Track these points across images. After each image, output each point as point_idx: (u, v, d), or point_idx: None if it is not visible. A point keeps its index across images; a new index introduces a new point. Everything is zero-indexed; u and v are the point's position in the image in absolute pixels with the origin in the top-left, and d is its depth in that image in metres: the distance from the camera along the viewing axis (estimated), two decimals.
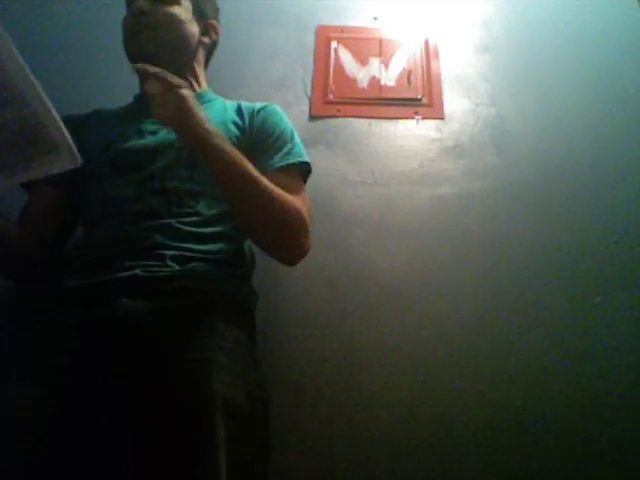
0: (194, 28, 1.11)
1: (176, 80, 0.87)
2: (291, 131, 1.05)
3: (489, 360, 1.16)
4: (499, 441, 1.09)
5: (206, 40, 1.15)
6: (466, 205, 1.33)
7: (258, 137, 1.03)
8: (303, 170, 1.02)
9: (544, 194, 1.34)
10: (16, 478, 0.74)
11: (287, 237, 0.92)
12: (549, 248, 1.27)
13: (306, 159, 1.02)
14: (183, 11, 1.08)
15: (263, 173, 0.92)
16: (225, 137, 0.90)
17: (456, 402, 1.12)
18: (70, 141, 0.74)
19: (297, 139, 1.04)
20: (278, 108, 1.09)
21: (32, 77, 0.69)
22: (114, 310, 0.83)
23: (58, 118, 0.73)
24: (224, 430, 0.75)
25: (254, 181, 0.88)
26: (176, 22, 1.07)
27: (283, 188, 0.93)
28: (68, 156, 0.74)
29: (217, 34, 1.19)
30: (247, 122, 1.05)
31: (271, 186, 0.90)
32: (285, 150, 1.00)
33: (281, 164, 0.98)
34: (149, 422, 0.74)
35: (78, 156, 0.75)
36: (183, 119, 0.85)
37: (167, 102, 0.85)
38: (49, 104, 0.71)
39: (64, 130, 0.73)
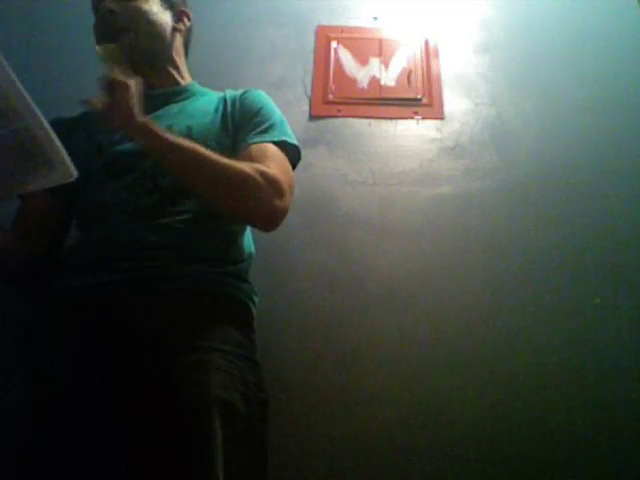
0: (166, 18, 1.09)
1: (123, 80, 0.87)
2: (271, 110, 1.04)
3: (489, 360, 1.16)
4: (499, 441, 1.09)
5: (181, 27, 1.13)
6: (466, 205, 1.33)
7: (240, 119, 1.03)
8: (283, 147, 1.00)
9: (544, 194, 1.34)
10: (17, 478, 0.75)
11: (251, 199, 0.90)
12: (549, 248, 1.27)
13: (284, 138, 1.00)
14: (151, 3, 1.06)
15: (238, 149, 0.95)
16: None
17: (456, 402, 1.12)
18: (65, 155, 0.73)
19: (278, 118, 1.03)
20: (261, 92, 1.09)
21: (24, 92, 0.69)
22: (112, 311, 0.83)
23: (52, 133, 0.72)
24: (221, 432, 0.75)
25: (203, 157, 0.88)
26: (147, 16, 1.04)
27: (254, 159, 0.93)
28: (63, 170, 0.74)
29: (190, 20, 1.16)
30: (230, 110, 1.04)
31: (222, 158, 0.89)
32: (261, 128, 1.00)
33: (254, 140, 0.98)
34: (147, 423, 0.74)
35: (73, 170, 0.74)
36: (127, 119, 0.86)
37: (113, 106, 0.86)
38: (42, 119, 0.71)
39: (58, 144, 0.73)
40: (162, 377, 0.78)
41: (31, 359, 0.87)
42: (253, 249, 1.06)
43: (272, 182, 0.91)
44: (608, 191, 1.34)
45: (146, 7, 1.05)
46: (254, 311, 0.98)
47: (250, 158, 0.94)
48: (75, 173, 0.75)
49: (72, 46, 1.45)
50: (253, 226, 0.98)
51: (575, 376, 1.15)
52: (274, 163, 0.94)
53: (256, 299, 1.00)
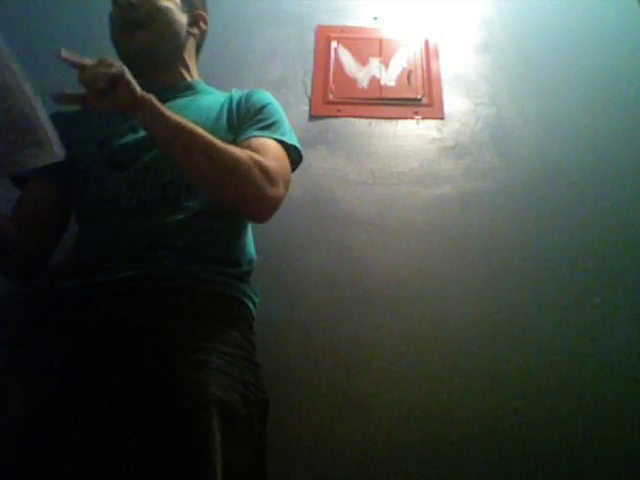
0: (182, 19, 1.10)
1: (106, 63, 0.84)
2: (276, 110, 1.05)
3: (489, 360, 1.16)
4: (499, 441, 1.09)
5: (195, 31, 1.14)
6: (466, 205, 1.33)
7: (244, 115, 1.03)
8: (283, 146, 1.00)
9: (544, 194, 1.34)
10: (16, 477, 0.75)
11: (242, 184, 0.88)
12: (549, 248, 1.28)
13: (285, 138, 1.00)
14: (170, 2, 1.08)
15: (237, 141, 0.94)
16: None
17: (456, 402, 1.12)
18: (54, 134, 0.73)
19: (281, 118, 1.03)
20: (268, 93, 1.09)
21: (16, 69, 0.69)
22: (112, 311, 0.83)
23: (42, 111, 0.72)
24: (220, 433, 0.75)
25: (199, 137, 0.87)
26: (165, 14, 1.06)
27: (252, 150, 0.92)
28: (52, 149, 0.74)
29: (205, 24, 1.18)
30: (235, 107, 1.04)
31: (219, 141, 0.89)
32: (264, 124, 1.00)
33: (254, 134, 0.98)
34: (146, 423, 0.74)
35: (62, 149, 0.74)
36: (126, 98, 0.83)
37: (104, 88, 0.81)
38: (33, 98, 0.71)
39: (47, 123, 0.73)
40: (161, 377, 0.78)
41: (30, 358, 0.87)
42: (254, 255, 1.05)
43: (265, 171, 0.90)
44: (608, 191, 1.35)
45: (165, 4, 1.06)
46: (254, 312, 0.98)
47: (248, 149, 0.93)
48: (63, 153, 0.74)
49: (73, 43, 1.45)
50: (244, 214, 0.97)
51: (575, 376, 1.15)
52: (271, 156, 0.94)
53: (256, 300, 0.99)
